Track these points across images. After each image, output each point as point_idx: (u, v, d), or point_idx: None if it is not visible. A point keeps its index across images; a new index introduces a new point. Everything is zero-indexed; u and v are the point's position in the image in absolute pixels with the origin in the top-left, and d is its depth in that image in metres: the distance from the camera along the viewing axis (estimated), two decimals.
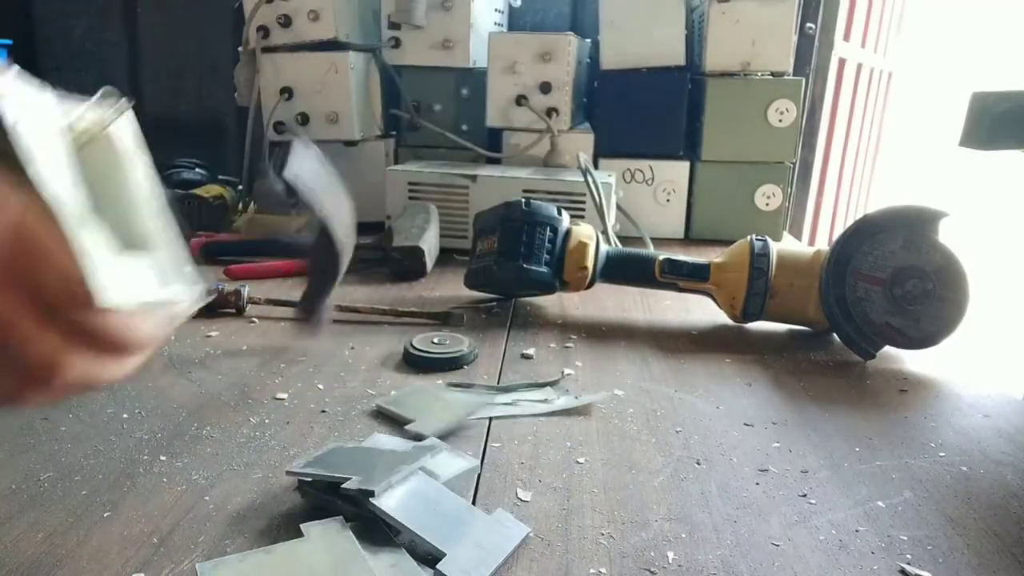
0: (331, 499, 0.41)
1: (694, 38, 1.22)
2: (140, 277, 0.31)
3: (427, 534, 0.38)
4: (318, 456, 0.44)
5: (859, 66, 1.75)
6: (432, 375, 0.63)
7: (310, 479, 0.42)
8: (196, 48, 1.59)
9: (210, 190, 1.17)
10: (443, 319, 0.75)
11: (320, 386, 0.60)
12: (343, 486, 0.40)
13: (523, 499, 0.45)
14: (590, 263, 0.78)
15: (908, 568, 0.40)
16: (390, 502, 0.39)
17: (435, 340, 0.67)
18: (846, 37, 1.59)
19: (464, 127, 1.27)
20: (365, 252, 0.92)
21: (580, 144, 1.19)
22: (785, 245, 0.78)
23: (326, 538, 0.39)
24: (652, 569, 0.39)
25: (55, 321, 0.28)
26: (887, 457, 0.52)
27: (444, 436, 0.51)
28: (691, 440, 0.53)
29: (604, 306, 0.84)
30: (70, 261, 0.27)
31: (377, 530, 0.39)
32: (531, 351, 0.69)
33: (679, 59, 1.19)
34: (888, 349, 0.70)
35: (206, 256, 0.96)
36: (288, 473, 0.43)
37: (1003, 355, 0.72)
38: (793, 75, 1.18)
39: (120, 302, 0.28)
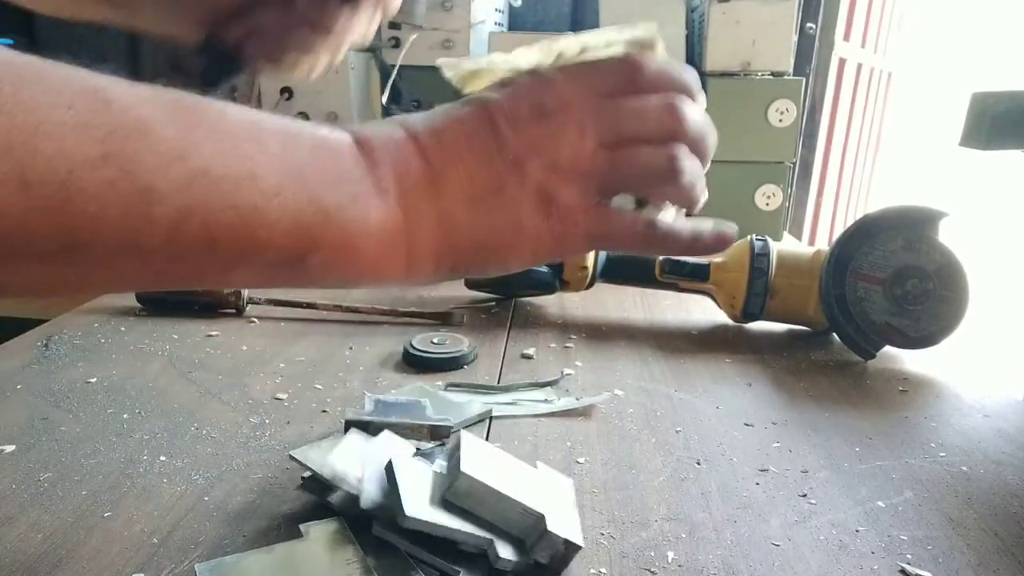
0: (331, 490, 0.41)
1: (694, 38, 1.22)
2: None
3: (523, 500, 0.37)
4: (327, 458, 0.43)
5: (859, 66, 1.75)
6: (432, 375, 0.63)
7: (313, 475, 0.42)
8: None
9: None
10: (443, 319, 0.75)
11: (320, 386, 0.60)
12: (369, 510, 0.38)
13: None
14: (590, 263, 0.78)
15: (908, 568, 0.40)
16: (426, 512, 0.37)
17: (435, 340, 0.67)
18: (846, 37, 1.59)
19: None
20: None
21: None
22: (785, 245, 0.78)
23: (326, 538, 0.39)
24: (652, 569, 0.39)
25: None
26: (887, 457, 0.52)
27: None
28: (691, 440, 0.53)
29: (604, 306, 0.84)
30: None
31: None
32: (531, 351, 0.69)
33: (679, 59, 1.19)
34: (888, 349, 0.70)
35: None
36: (291, 457, 0.44)
37: (1003, 355, 0.72)
38: (793, 75, 1.18)
39: None
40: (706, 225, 0.39)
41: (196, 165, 0.26)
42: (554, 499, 0.39)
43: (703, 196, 0.39)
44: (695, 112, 0.37)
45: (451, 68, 0.40)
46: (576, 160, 0.34)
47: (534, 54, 0.41)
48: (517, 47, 0.40)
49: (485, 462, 0.38)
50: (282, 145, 0.30)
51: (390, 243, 0.32)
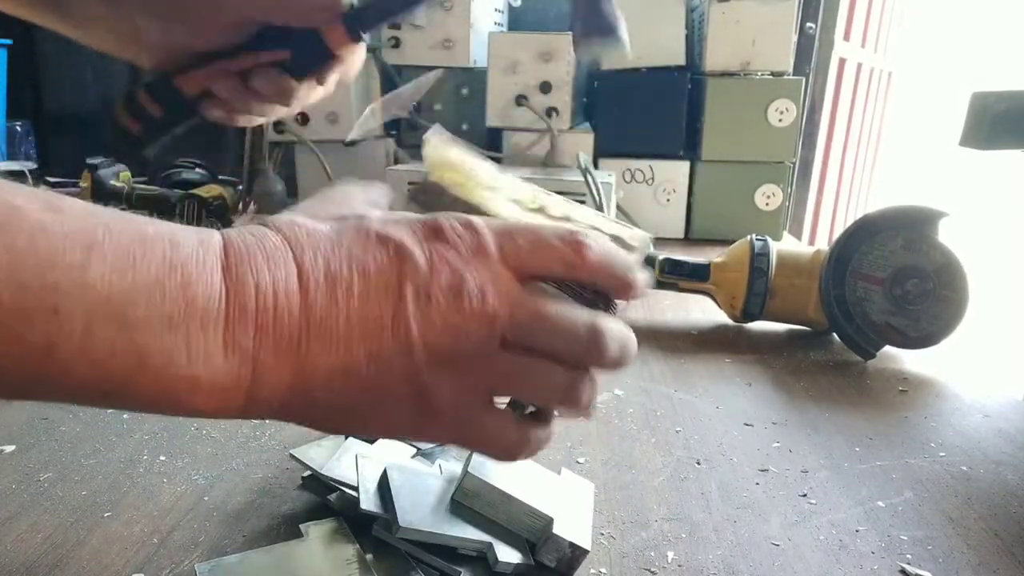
0: (331, 489, 0.41)
1: (694, 38, 1.22)
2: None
3: (531, 502, 0.37)
4: (327, 464, 0.43)
5: (859, 66, 1.75)
6: None
7: (313, 475, 0.42)
8: None
9: (210, 190, 1.17)
10: None
11: None
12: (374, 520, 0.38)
13: None
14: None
15: (908, 568, 0.40)
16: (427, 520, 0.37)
17: None
18: (846, 37, 1.59)
19: (464, 127, 1.27)
20: None
21: (580, 144, 1.19)
22: (785, 245, 0.78)
23: (326, 538, 0.39)
24: (652, 569, 0.39)
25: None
26: (887, 457, 0.52)
27: None
28: (691, 440, 0.53)
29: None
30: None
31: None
32: None
33: (679, 59, 1.19)
34: (888, 349, 0.70)
35: None
36: (291, 456, 0.44)
37: (1003, 355, 0.72)
38: (793, 75, 1.18)
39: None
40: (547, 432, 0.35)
41: None
42: (568, 503, 0.39)
43: (590, 408, 0.34)
44: (615, 339, 0.33)
45: (432, 148, 0.39)
46: (473, 361, 0.31)
47: (521, 190, 0.40)
48: (508, 175, 0.40)
49: (497, 465, 0.38)
50: (112, 271, 0.25)
51: (222, 397, 0.28)
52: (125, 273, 0.26)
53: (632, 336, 0.34)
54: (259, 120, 0.55)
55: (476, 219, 0.33)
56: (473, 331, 0.30)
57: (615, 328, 0.33)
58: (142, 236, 0.27)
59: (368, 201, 0.36)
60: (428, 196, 0.39)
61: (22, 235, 0.24)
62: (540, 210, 0.39)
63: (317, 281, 0.30)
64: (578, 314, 0.32)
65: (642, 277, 0.35)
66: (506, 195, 0.40)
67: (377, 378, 0.30)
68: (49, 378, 0.26)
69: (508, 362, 0.31)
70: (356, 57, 0.53)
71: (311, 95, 0.53)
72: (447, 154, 0.39)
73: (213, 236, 0.29)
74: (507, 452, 0.33)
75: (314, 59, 0.50)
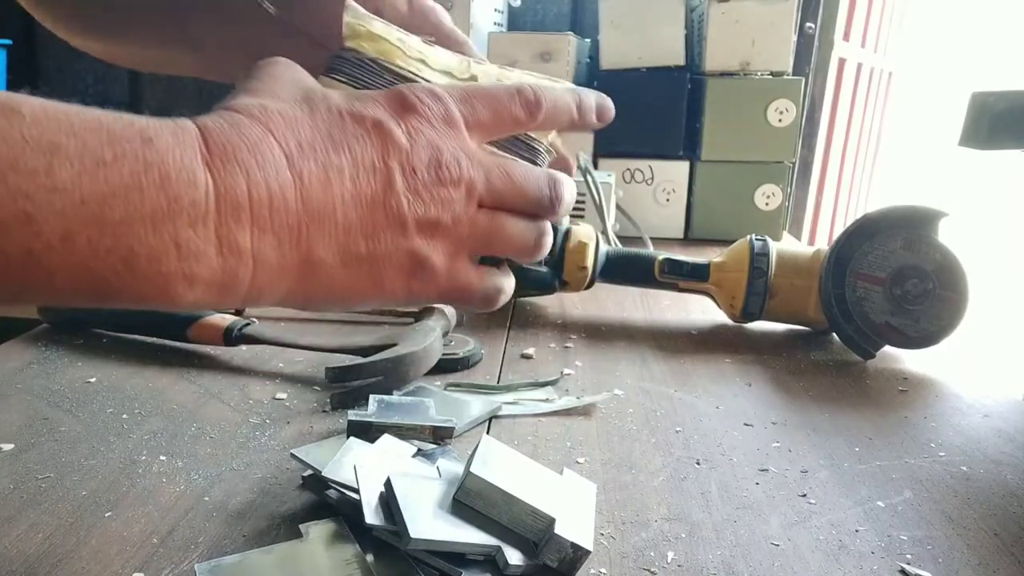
0: (332, 490, 0.41)
1: (694, 38, 1.22)
2: None
3: (531, 501, 0.37)
4: (327, 468, 0.43)
5: (859, 66, 1.75)
6: (433, 375, 0.62)
7: (314, 474, 0.42)
8: None
9: None
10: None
11: (320, 386, 0.60)
12: (373, 528, 0.37)
13: None
14: (590, 263, 0.78)
15: (908, 568, 0.40)
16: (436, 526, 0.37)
17: None
18: (846, 37, 1.59)
19: None
20: None
21: (580, 144, 1.19)
22: (785, 245, 0.78)
23: (326, 538, 0.39)
24: (652, 569, 0.39)
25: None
26: (887, 457, 0.52)
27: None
28: (691, 440, 0.53)
29: (604, 306, 0.84)
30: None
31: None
32: (531, 351, 0.69)
33: (679, 59, 1.19)
34: (888, 349, 0.70)
35: None
36: (292, 456, 0.44)
37: (1003, 355, 0.72)
38: (793, 75, 1.18)
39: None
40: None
41: None
42: (570, 503, 0.39)
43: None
44: (568, 187, 0.38)
45: (353, 15, 0.38)
46: (457, 225, 0.34)
47: (451, 60, 0.41)
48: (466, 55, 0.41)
49: (500, 465, 0.38)
50: (82, 173, 0.24)
51: (221, 294, 0.29)
52: (96, 175, 0.25)
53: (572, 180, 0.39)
54: None
55: (438, 88, 0.35)
56: (455, 199, 0.33)
57: (563, 176, 0.38)
58: (110, 136, 0.26)
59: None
60: (352, 68, 0.39)
61: None
62: (472, 79, 0.40)
63: (309, 169, 0.30)
64: (537, 171, 0.37)
65: (593, 99, 0.41)
66: (437, 65, 0.40)
67: (376, 255, 0.32)
68: (36, 285, 0.25)
69: (485, 222, 0.35)
70: None
71: None
72: (371, 24, 0.39)
73: (187, 126, 0.28)
74: (489, 302, 0.38)
75: None
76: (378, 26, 0.39)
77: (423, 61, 0.39)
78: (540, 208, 0.37)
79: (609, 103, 0.42)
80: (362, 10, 0.39)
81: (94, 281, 0.26)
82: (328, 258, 0.31)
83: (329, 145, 0.31)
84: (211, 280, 0.28)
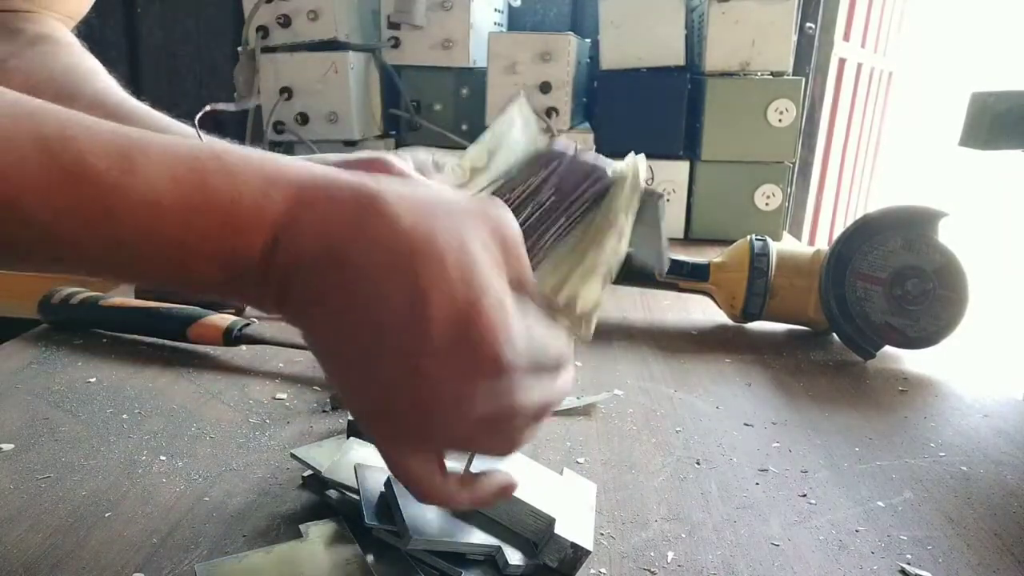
0: (332, 491, 0.41)
1: (694, 38, 1.22)
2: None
3: (533, 501, 0.37)
4: (326, 469, 0.43)
5: (859, 66, 1.75)
6: None
7: (314, 474, 0.42)
8: (195, 48, 1.59)
9: None
10: None
11: (319, 386, 0.60)
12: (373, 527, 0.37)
13: None
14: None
15: (908, 568, 0.40)
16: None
17: None
18: (846, 37, 1.59)
19: (464, 127, 1.27)
20: None
21: (580, 144, 1.19)
22: (785, 245, 0.78)
23: (326, 538, 0.39)
24: (652, 569, 0.39)
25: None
26: (887, 457, 0.52)
27: None
28: (691, 440, 0.53)
29: (604, 306, 0.84)
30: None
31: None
32: None
33: (679, 59, 1.19)
34: (888, 349, 0.70)
35: None
36: (292, 456, 0.44)
37: (1003, 355, 0.72)
38: (793, 75, 1.18)
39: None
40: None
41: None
42: (570, 503, 0.39)
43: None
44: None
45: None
46: (456, 435, 0.31)
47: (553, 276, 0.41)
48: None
49: (500, 466, 0.38)
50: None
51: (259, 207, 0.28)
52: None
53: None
54: None
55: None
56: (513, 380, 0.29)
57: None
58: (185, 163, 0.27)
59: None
60: None
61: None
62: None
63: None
64: (556, 382, 0.32)
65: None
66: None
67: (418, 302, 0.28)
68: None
69: (482, 432, 0.31)
70: None
71: None
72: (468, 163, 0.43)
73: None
74: (425, 496, 0.32)
75: None
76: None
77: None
78: (536, 416, 0.32)
79: None
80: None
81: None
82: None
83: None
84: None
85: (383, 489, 0.38)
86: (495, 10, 1.38)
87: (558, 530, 0.36)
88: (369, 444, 0.45)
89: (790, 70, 1.17)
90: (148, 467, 0.47)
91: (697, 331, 0.78)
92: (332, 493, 0.42)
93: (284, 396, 0.58)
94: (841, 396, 0.62)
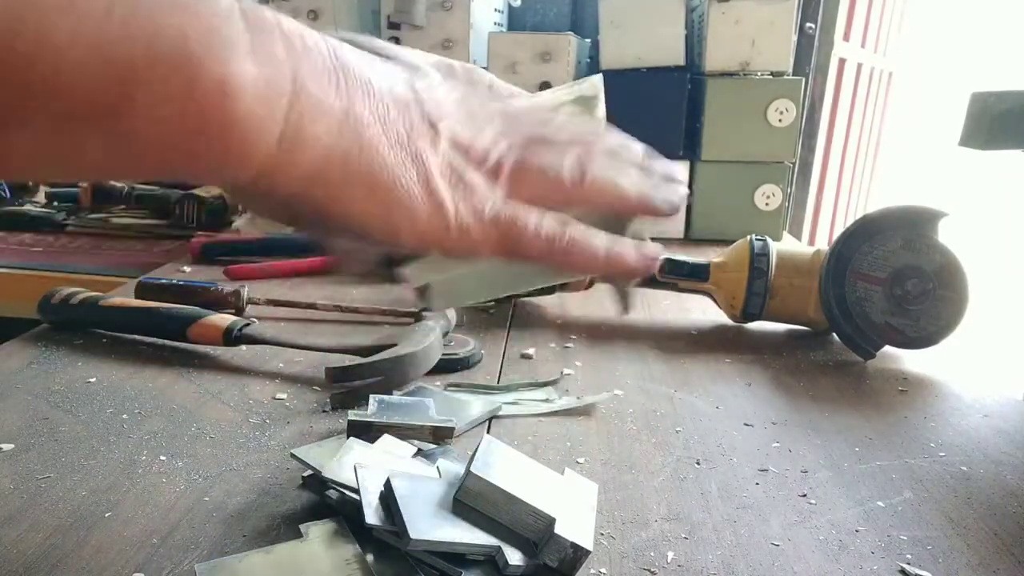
0: (331, 491, 0.41)
1: (694, 38, 1.22)
2: None
3: (533, 501, 0.37)
4: (326, 470, 0.43)
5: (859, 66, 1.75)
6: (433, 375, 0.62)
7: (314, 474, 0.42)
8: None
9: (210, 190, 1.17)
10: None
11: (319, 386, 0.60)
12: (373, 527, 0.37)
13: None
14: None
15: (908, 568, 0.40)
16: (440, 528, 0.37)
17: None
18: (846, 37, 1.59)
19: None
20: None
21: None
22: (785, 245, 0.78)
23: (326, 538, 0.39)
24: (652, 569, 0.39)
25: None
26: (887, 457, 0.52)
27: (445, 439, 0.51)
28: (691, 440, 0.53)
29: (604, 306, 0.84)
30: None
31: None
32: (531, 351, 0.69)
33: (679, 59, 1.19)
34: (888, 349, 0.70)
35: (206, 256, 0.96)
36: (292, 456, 0.44)
37: (1003, 355, 0.72)
38: (793, 75, 1.18)
39: None
40: (631, 243, 0.35)
41: None
42: (571, 503, 0.39)
43: (639, 194, 0.35)
44: (620, 143, 0.36)
45: None
46: (488, 151, 0.31)
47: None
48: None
49: (501, 465, 0.38)
50: None
51: (258, 112, 0.24)
52: None
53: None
54: None
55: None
56: (483, 130, 0.31)
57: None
58: None
59: None
60: None
61: None
62: None
63: (344, 46, 0.28)
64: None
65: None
66: None
67: (415, 148, 0.29)
68: (37, 80, 0.20)
69: (520, 154, 0.32)
70: None
71: None
72: None
73: None
74: (547, 246, 0.32)
75: None
76: None
77: None
78: (581, 139, 0.34)
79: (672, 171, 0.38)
80: None
81: (111, 71, 0.21)
82: (370, 119, 0.27)
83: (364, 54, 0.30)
84: (244, 81, 0.23)
85: (383, 489, 0.38)
86: (495, 10, 1.38)
87: (558, 530, 0.36)
88: (369, 444, 0.45)
89: (790, 70, 1.17)
90: (148, 467, 0.47)
91: (697, 331, 0.78)
92: (332, 493, 0.42)
93: (284, 396, 0.58)
94: (841, 396, 0.62)
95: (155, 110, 0.22)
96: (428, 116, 0.29)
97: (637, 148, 0.37)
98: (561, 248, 0.32)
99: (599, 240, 0.33)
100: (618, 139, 0.37)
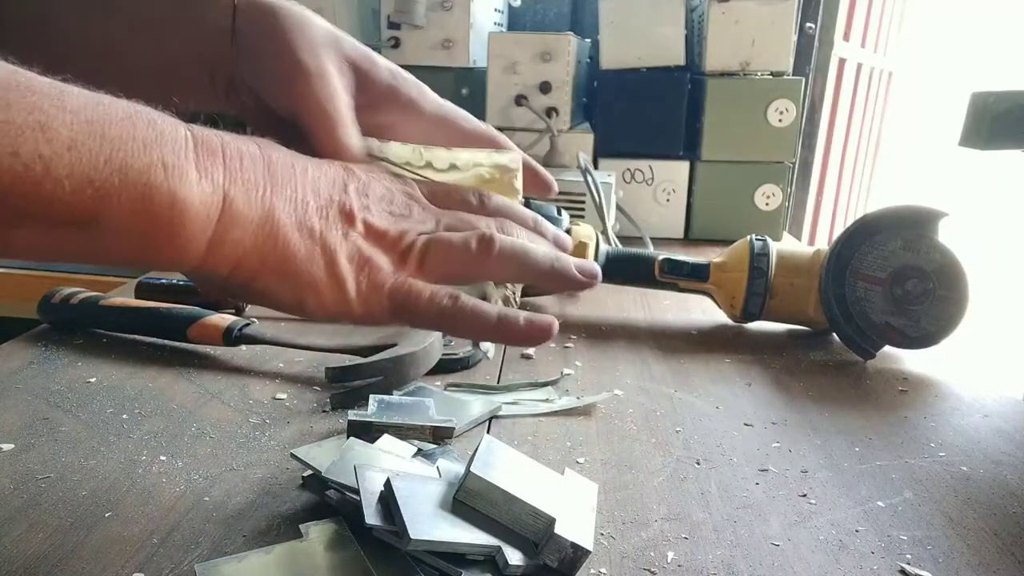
0: (332, 492, 0.41)
1: (694, 38, 1.22)
2: None
3: (533, 501, 0.37)
4: (326, 470, 0.43)
5: (859, 66, 1.75)
6: (433, 375, 0.62)
7: (314, 474, 0.42)
8: None
9: None
10: None
11: (319, 386, 0.60)
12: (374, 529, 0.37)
13: None
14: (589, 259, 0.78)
15: (908, 568, 0.40)
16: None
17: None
18: (846, 37, 1.59)
19: None
20: None
21: (580, 144, 1.19)
22: (785, 245, 0.78)
23: (326, 538, 0.39)
24: (652, 569, 0.39)
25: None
26: (887, 457, 0.52)
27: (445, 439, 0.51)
28: (691, 440, 0.53)
29: (604, 306, 0.84)
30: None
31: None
32: (531, 351, 0.69)
33: (679, 59, 1.19)
34: (888, 349, 0.70)
35: None
36: (292, 455, 0.44)
37: (1003, 355, 0.72)
38: (793, 75, 1.18)
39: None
40: (523, 313, 0.38)
41: None
42: (571, 503, 0.39)
43: (551, 266, 0.40)
44: (526, 232, 0.41)
45: (379, 152, 0.44)
46: (401, 237, 0.37)
47: (406, 151, 0.45)
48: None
49: (501, 465, 0.38)
50: (86, 104, 0.28)
51: (194, 226, 0.31)
52: (97, 107, 0.29)
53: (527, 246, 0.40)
54: None
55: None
56: (402, 223, 0.38)
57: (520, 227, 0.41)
58: (103, 96, 0.30)
59: None
60: None
61: (3, 76, 0.27)
62: (427, 165, 0.44)
63: (278, 156, 0.35)
64: (490, 219, 0.40)
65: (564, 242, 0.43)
66: (397, 160, 0.44)
67: (327, 238, 0.35)
68: (45, 196, 0.27)
69: (427, 240, 0.38)
70: None
71: None
72: (389, 151, 0.44)
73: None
74: (438, 316, 0.37)
75: None
76: (393, 148, 0.44)
77: (387, 159, 0.44)
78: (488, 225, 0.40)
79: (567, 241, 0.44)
80: (376, 143, 0.44)
81: (92, 194, 0.28)
82: (286, 220, 0.34)
83: (298, 156, 0.36)
84: (188, 205, 0.30)
85: (383, 489, 0.38)
86: (495, 10, 1.38)
87: (558, 530, 0.36)
88: (369, 444, 0.45)
89: (790, 70, 1.17)
90: (148, 467, 0.47)
91: (697, 331, 0.78)
92: (332, 493, 0.42)
93: (284, 396, 0.58)
94: (841, 396, 0.62)
95: (122, 222, 0.29)
96: (345, 211, 0.36)
97: (549, 225, 0.43)
98: (450, 318, 0.37)
99: (489, 310, 0.38)
100: (531, 214, 0.43)
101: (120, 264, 0.32)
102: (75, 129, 0.28)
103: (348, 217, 0.36)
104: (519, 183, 0.46)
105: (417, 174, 0.43)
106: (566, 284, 0.40)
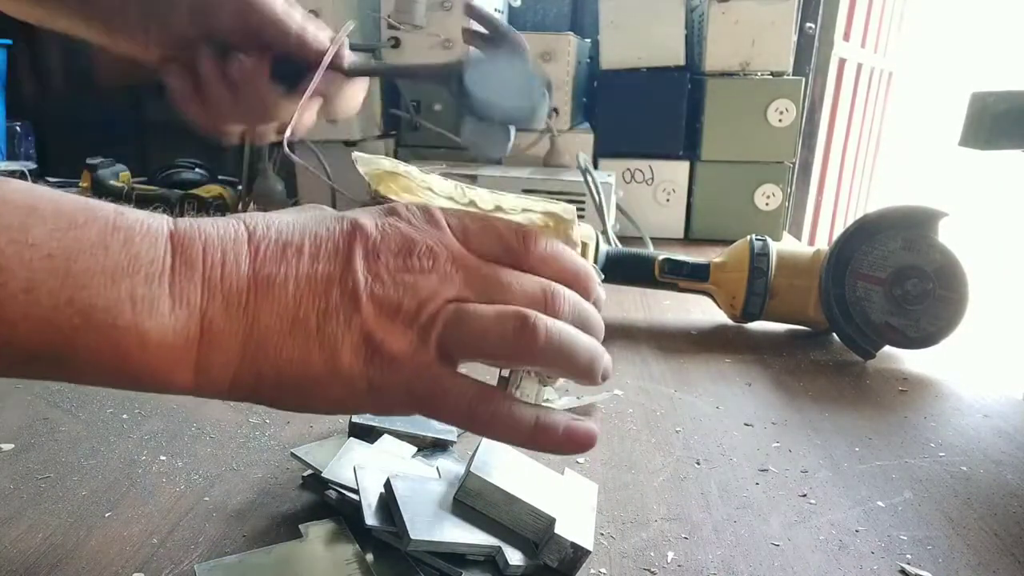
0: (332, 492, 0.41)
1: (694, 38, 1.22)
2: None
3: (532, 501, 0.37)
4: (327, 469, 0.43)
5: (859, 66, 1.75)
6: None
7: (314, 474, 0.42)
8: None
9: (210, 190, 1.17)
10: None
11: None
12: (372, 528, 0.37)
13: None
14: (590, 263, 0.78)
15: (908, 568, 0.40)
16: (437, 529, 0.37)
17: None
18: (846, 37, 1.59)
19: None
20: None
21: (580, 144, 1.19)
22: (785, 245, 0.78)
23: (326, 538, 0.39)
24: (652, 569, 0.39)
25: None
26: (887, 457, 0.52)
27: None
28: (691, 440, 0.53)
29: (604, 306, 0.84)
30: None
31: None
32: None
33: (679, 59, 1.19)
34: (888, 349, 0.70)
35: None
36: (293, 455, 0.44)
37: (1003, 355, 0.72)
38: (793, 75, 1.18)
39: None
40: (562, 419, 0.35)
41: None
42: (571, 503, 0.39)
43: (590, 366, 0.35)
44: (574, 297, 0.35)
45: (365, 164, 0.40)
46: (420, 310, 0.31)
47: (448, 187, 0.41)
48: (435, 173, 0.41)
49: (500, 465, 0.38)
50: (53, 232, 0.26)
51: (172, 357, 0.29)
52: (67, 232, 0.26)
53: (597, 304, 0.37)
54: (238, 131, 0.59)
55: (429, 204, 0.35)
56: (423, 286, 0.32)
57: (567, 291, 0.35)
58: (87, 205, 0.28)
59: None
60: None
61: None
62: (471, 204, 0.41)
63: (267, 243, 0.31)
64: (527, 276, 0.34)
65: (595, 275, 0.38)
66: (441, 193, 0.41)
67: (327, 332, 0.30)
68: None
69: (455, 312, 0.32)
70: (344, 92, 0.57)
71: (289, 113, 0.57)
72: (381, 164, 0.41)
73: (166, 217, 0.31)
74: (467, 416, 0.32)
75: (291, 70, 0.56)
76: (387, 163, 0.41)
77: (430, 188, 0.41)
78: (529, 302, 0.33)
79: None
80: (365, 155, 0.40)
81: (53, 340, 0.26)
82: (275, 326, 0.30)
83: (297, 231, 0.32)
84: (161, 339, 0.28)
85: (383, 489, 0.38)
86: (495, 10, 1.38)
87: (558, 530, 0.36)
88: (369, 444, 0.45)
89: (790, 70, 1.17)
90: (148, 467, 0.47)
91: (697, 331, 0.78)
92: (332, 493, 0.42)
93: None
94: (841, 396, 0.62)
95: (90, 362, 0.27)
96: (348, 291, 0.31)
97: (598, 282, 0.38)
98: (481, 422, 0.33)
99: (527, 417, 0.33)
100: (585, 265, 0.37)
101: (110, 387, 0.30)
102: (35, 267, 0.26)
103: (352, 298, 0.31)
104: (576, 234, 0.41)
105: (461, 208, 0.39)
106: (593, 381, 0.36)
